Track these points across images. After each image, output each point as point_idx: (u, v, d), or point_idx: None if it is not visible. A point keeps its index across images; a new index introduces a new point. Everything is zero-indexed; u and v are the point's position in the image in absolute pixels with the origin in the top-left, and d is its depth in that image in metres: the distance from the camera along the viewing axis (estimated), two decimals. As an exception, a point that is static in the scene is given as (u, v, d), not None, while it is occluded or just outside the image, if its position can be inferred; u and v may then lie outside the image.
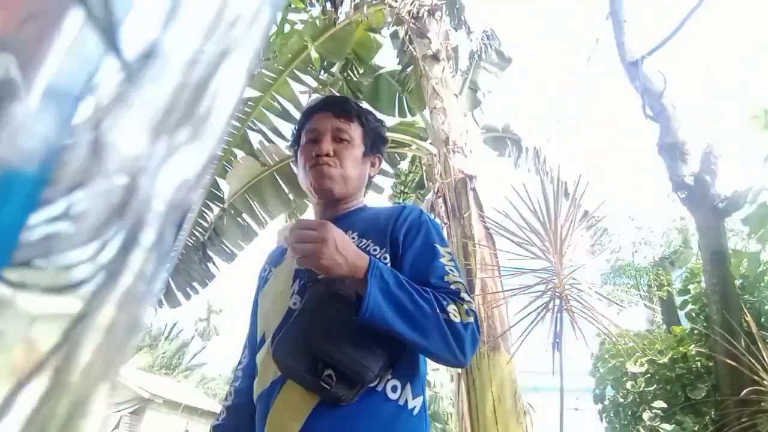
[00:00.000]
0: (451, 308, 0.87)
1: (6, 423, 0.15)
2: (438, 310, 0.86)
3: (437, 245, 0.98)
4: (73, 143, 0.16)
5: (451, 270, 0.95)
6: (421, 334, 0.84)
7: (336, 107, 1.11)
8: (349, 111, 1.11)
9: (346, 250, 0.84)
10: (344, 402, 0.84)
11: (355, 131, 1.10)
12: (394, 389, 0.90)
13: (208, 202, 5.10)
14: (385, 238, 1.01)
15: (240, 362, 1.14)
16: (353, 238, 1.00)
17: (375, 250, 0.99)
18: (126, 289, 0.19)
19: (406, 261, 0.97)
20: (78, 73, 0.16)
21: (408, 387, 0.92)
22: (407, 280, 0.88)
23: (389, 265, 0.96)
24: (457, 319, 0.86)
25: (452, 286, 0.92)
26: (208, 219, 5.26)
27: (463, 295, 0.92)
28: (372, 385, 0.87)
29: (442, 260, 0.96)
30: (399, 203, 4.45)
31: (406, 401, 0.90)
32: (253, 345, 1.10)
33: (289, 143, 1.22)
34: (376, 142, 1.15)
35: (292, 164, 5.13)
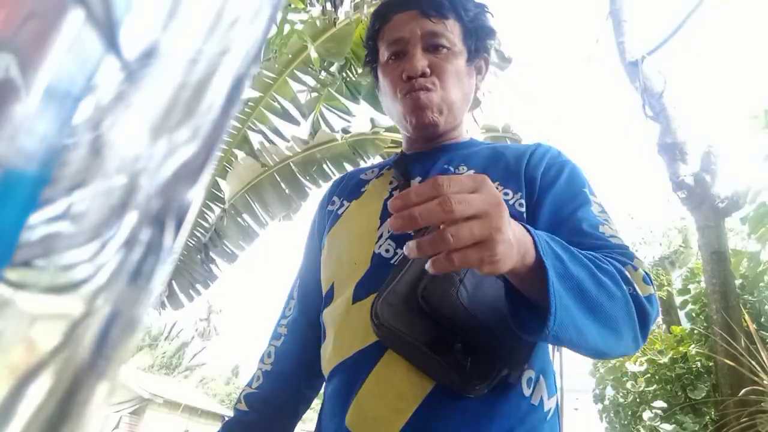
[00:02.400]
0: (630, 275, 0.61)
1: (6, 424, 0.15)
2: (623, 283, 0.59)
3: (585, 190, 0.74)
4: (73, 143, 0.16)
5: (606, 221, 0.69)
6: (612, 331, 0.56)
7: (423, 1, 0.79)
8: (441, 4, 0.79)
9: (512, 224, 0.50)
10: (472, 393, 0.61)
11: (453, 31, 0.80)
12: (528, 383, 0.66)
13: (208, 202, 5.10)
14: (520, 180, 0.75)
15: (284, 316, 0.89)
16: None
17: (507, 194, 0.74)
18: (126, 289, 0.19)
19: (543, 208, 0.72)
20: (78, 73, 0.16)
21: (542, 382, 0.68)
22: (578, 251, 0.59)
23: (525, 215, 0.73)
24: (641, 293, 0.60)
25: (612, 240, 0.66)
26: (209, 220, 5.27)
27: (632, 252, 0.65)
28: (504, 374, 0.63)
29: (593, 209, 0.70)
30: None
31: (541, 400, 0.66)
32: (306, 296, 0.87)
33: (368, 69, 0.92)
34: (480, 37, 0.84)
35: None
